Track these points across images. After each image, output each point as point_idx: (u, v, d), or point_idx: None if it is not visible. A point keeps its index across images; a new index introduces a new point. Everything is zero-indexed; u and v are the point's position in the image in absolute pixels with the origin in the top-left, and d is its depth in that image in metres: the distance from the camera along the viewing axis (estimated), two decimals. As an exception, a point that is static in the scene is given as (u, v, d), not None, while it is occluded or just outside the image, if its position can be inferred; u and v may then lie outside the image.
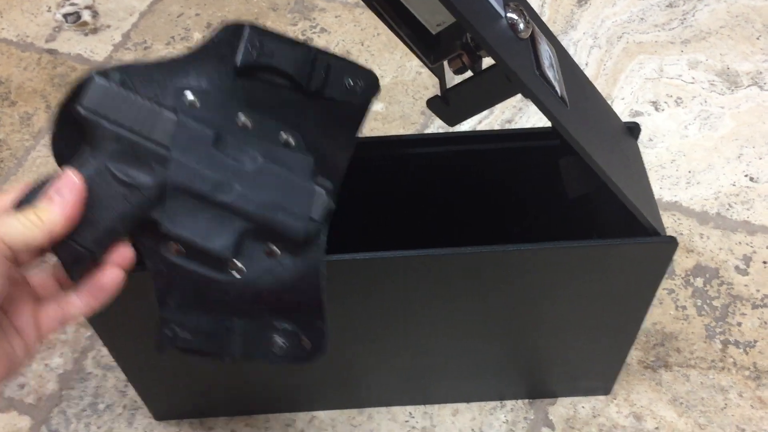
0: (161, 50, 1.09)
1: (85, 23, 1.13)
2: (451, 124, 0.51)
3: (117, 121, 0.45)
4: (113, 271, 0.47)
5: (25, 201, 0.44)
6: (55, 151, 0.46)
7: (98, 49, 1.10)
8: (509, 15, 0.46)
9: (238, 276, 0.49)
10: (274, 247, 0.49)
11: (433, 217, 0.72)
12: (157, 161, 0.45)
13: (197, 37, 1.10)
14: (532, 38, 0.48)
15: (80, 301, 0.48)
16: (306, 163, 0.49)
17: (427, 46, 0.48)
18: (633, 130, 0.63)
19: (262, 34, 0.47)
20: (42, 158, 0.97)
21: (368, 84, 0.49)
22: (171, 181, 0.45)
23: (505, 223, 0.73)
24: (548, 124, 0.97)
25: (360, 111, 0.50)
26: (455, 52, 0.48)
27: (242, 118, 0.48)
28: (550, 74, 0.48)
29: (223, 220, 0.47)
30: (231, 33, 0.47)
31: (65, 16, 1.13)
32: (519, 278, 0.59)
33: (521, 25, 0.46)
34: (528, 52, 0.47)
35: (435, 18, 0.46)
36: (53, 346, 0.81)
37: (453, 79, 0.52)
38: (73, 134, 0.45)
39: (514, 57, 0.45)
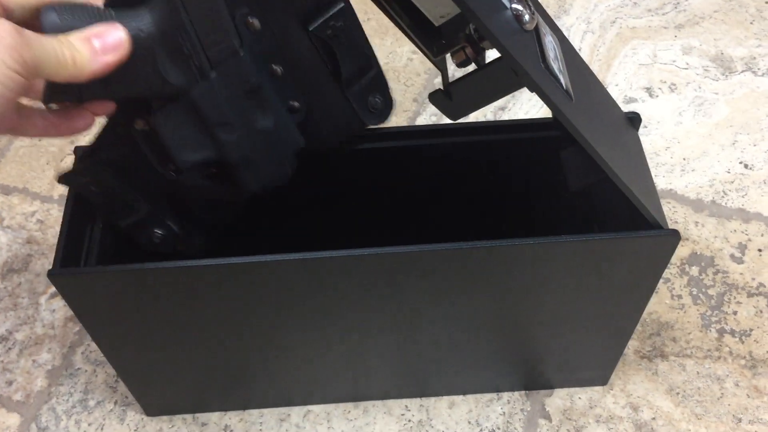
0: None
1: (67, 8, 1.10)
2: (454, 118, 0.50)
3: (193, 13, 0.43)
4: (88, 118, 0.46)
5: (65, 14, 0.41)
6: None
7: (81, 35, 1.07)
8: (514, 6, 0.45)
9: (172, 175, 0.51)
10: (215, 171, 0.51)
11: (430, 211, 0.71)
12: (198, 70, 0.45)
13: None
14: (537, 29, 0.47)
15: (41, 124, 0.45)
16: (299, 142, 0.51)
17: (430, 39, 0.47)
18: (634, 120, 0.62)
19: (347, 16, 0.49)
20: (25, 148, 0.95)
21: (385, 107, 0.52)
22: (193, 97, 0.45)
23: (504, 215, 0.72)
24: (542, 111, 0.96)
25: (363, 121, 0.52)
26: (459, 44, 0.46)
27: (277, 69, 0.48)
28: (555, 66, 0.47)
29: (203, 145, 0.48)
30: None
31: None
32: (517, 272, 0.58)
33: (526, 17, 0.45)
34: (533, 44, 0.46)
35: (438, 9, 0.45)
36: (41, 342, 0.79)
37: (455, 72, 0.50)
38: None
39: (520, 50, 0.44)
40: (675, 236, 0.55)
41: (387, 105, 0.51)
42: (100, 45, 0.41)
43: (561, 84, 0.47)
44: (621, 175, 0.51)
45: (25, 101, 0.45)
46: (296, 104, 0.50)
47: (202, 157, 0.48)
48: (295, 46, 0.47)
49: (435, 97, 0.49)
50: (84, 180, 0.52)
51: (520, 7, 0.45)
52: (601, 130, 0.52)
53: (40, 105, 0.46)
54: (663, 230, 0.55)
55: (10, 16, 0.41)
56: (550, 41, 0.48)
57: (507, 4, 0.45)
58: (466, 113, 0.50)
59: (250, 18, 0.45)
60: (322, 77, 0.49)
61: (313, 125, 0.51)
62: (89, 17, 0.42)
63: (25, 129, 0.45)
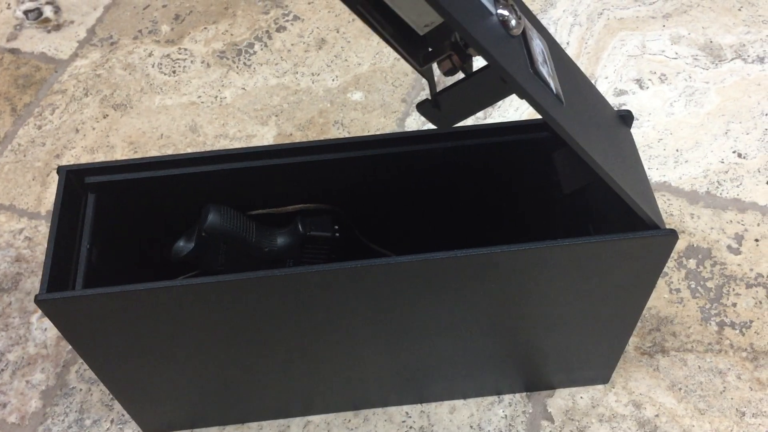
0: (128, 45, 1.05)
1: (48, 20, 1.08)
2: (444, 127, 0.49)
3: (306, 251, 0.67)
4: None
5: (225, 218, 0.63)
6: None
7: (63, 47, 1.05)
8: (500, 11, 0.44)
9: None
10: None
11: (422, 217, 0.70)
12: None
13: (165, 30, 1.06)
14: (524, 34, 0.46)
15: None
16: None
17: (415, 48, 0.46)
18: (626, 118, 0.61)
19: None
20: (10, 164, 0.94)
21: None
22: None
23: (497, 218, 0.71)
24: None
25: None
26: (445, 53, 0.45)
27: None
28: (544, 71, 0.46)
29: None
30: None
31: (26, 12, 1.08)
32: (515, 277, 0.58)
33: (513, 22, 0.44)
34: (521, 49, 0.45)
35: (422, 19, 0.44)
36: (34, 362, 0.78)
37: (442, 79, 0.49)
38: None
39: (507, 56, 0.43)
40: (672, 236, 0.54)
41: None
42: None
43: (551, 88, 0.46)
44: (615, 177, 0.50)
45: None
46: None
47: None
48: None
49: (423, 107, 0.48)
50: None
51: (506, 13, 0.44)
52: (593, 133, 0.51)
53: None
54: (660, 230, 0.54)
55: None
56: (538, 45, 0.47)
57: (492, 10, 0.44)
58: (455, 122, 0.49)
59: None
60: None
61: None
62: (237, 225, 0.62)
63: None
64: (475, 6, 0.42)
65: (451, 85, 0.47)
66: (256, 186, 0.65)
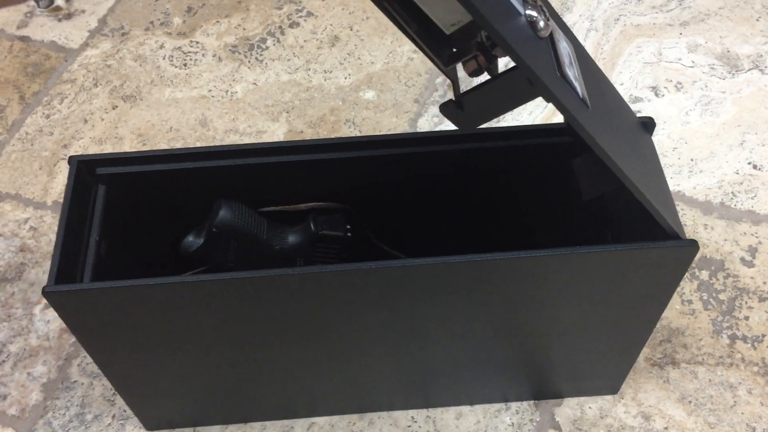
0: (140, 36, 1.04)
1: (59, 8, 1.07)
2: (466, 129, 0.48)
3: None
4: None
5: (236, 213, 0.63)
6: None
7: (73, 36, 1.04)
8: (528, 12, 0.43)
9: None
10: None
11: (435, 219, 0.69)
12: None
13: (177, 22, 1.05)
14: (551, 36, 0.45)
15: None
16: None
17: (440, 47, 0.45)
18: (647, 125, 0.60)
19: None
20: (17, 153, 0.93)
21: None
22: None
23: (514, 222, 0.70)
24: (547, 110, 0.94)
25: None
26: (471, 53, 0.44)
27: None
28: (570, 74, 0.45)
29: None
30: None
31: (37, 1, 1.07)
32: (530, 283, 0.57)
33: (541, 23, 0.43)
34: (548, 51, 0.44)
35: (450, 17, 0.43)
36: (36, 354, 0.77)
37: (465, 79, 0.48)
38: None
39: (535, 58, 0.42)
40: (693, 246, 0.53)
41: None
42: None
43: (577, 92, 0.45)
44: (639, 185, 0.49)
45: None
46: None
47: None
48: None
49: (446, 108, 0.47)
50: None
51: (534, 14, 0.43)
52: (617, 139, 0.50)
53: None
54: (681, 240, 0.53)
55: None
56: (564, 47, 0.46)
57: (521, 10, 0.43)
58: (478, 124, 0.48)
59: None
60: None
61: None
62: (248, 221, 0.62)
63: None
64: (504, 5, 0.41)
65: (475, 87, 0.46)
66: (268, 182, 0.64)
